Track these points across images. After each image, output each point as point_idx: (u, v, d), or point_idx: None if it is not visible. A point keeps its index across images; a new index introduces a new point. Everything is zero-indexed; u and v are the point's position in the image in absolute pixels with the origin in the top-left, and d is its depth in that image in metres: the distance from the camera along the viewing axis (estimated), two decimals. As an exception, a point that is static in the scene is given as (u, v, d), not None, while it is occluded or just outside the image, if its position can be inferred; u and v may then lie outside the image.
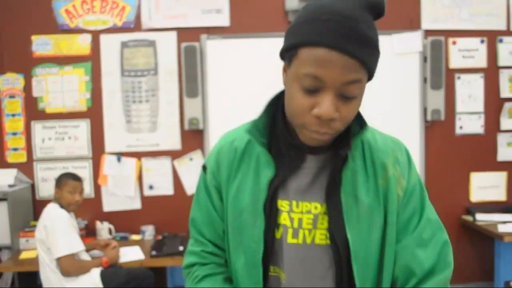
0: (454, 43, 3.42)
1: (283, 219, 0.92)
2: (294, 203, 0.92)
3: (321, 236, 0.91)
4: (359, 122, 0.94)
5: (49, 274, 2.59)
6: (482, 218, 3.33)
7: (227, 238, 0.99)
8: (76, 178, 2.78)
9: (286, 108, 0.88)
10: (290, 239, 0.91)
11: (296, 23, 0.83)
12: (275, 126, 0.95)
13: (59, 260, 2.55)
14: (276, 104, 0.96)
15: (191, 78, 3.22)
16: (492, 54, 3.45)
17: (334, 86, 0.79)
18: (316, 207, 0.91)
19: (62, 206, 2.69)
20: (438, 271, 0.92)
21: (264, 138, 0.94)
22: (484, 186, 3.53)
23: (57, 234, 2.55)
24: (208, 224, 1.03)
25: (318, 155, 0.93)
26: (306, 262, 0.92)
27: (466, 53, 3.43)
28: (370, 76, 0.85)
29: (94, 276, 2.62)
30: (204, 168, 1.06)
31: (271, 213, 0.92)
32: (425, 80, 3.31)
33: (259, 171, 0.94)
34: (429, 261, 0.91)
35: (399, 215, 0.93)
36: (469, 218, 3.42)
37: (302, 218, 0.91)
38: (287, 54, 0.85)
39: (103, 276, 2.64)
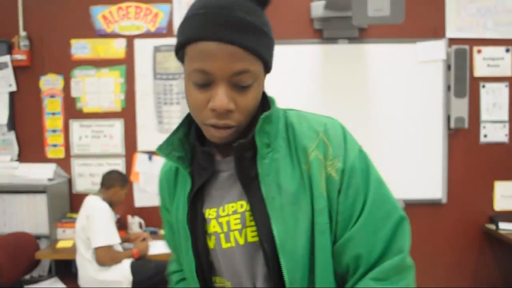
0: (479, 51, 3.44)
1: (213, 226, 0.90)
2: (220, 208, 0.89)
3: (252, 234, 0.87)
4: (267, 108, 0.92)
5: (84, 262, 2.78)
6: (505, 227, 3.34)
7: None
8: (128, 181, 3.07)
9: (188, 107, 0.87)
10: (224, 245, 0.89)
11: (182, 21, 0.83)
12: (189, 135, 0.95)
13: (96, 250, 2.75)
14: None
15: (220, 82, 3.36)
16: (518, 63, 3.46)
17: (223, 77, 0.78)
18: (242, 205, 0.88)
19: (104, 200, 2.89)
20: (386, 258, 0.83)
21: (180, 152, 0.93)
22: (508, 195, 3.53)
23: (98, 225, 2.75)
24: (173, 241, 1.05)
25: (231, 156, 0.90)
26: (245, 264, 0.88)
27: (491, 62, 3.45)
28: (266, 64, 0.84)
29: (124, 267, 2.80)
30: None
31: (196, 224, 0.90)
32: (448, 88, 3.35)
33: (183, 185, 0.95)
34: (376, 248, 0.83)
35: (341, 203, 0.85)
36: (492, 226, 3.43)
37: (229, 220, 0.88)
38: (179, 54, 0.85)
39: (133, 267, 2.81)
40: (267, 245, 0.83)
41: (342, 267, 0.85)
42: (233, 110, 0.81)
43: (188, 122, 0.95)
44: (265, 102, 0.94)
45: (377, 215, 0.84)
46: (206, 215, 0.90)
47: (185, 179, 0.94)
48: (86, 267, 2.77)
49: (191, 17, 0.80)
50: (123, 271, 2.78)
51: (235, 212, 0.88)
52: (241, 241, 0.87)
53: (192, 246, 0.90)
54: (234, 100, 0.81)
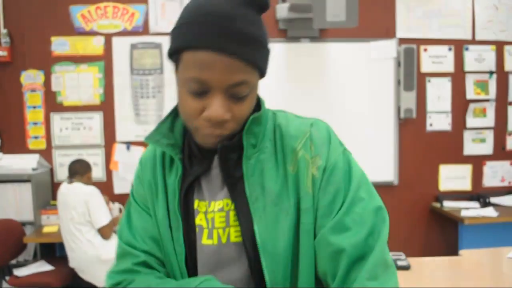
0: (425, 50, 3.85)
1: (199, 219, 0.88)
2: (209, 203, 0.88)
3: (235, 234, 0.85)
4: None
5: (81, 244, 3.03)
6: (448, 205, 3.78)
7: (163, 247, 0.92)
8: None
9: (180, 111, 0.85)
10: (204, 240, 0.87)
11: (177, 25, 0.81)
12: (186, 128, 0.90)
13: (102, 228, 3.06)
14: None
15: (193, 77, 3.65)
16: (459, 61, 3.89)
17: (220, 87, 0.77)
18: (228, 203, 0.87)
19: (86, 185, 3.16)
20: (367, 253, 0.78)
21: (169, 139, 0.90)
22: (452, 177, 3.98)
23: (98, 207, 3.06)
24: (143, 229, 0.94)
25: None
26: (223, 263, 0.86)
27: (435, 59, 3.87)
28: (261, 74, 0.84)
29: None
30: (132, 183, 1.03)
31: (188, 214, 0.88)
32: (398, 82, 3.75)
33: (169, 172, 0.92)
34: (357, 242, 0.79)
35: (320, 199, 0.84)
36: (437, 205, 3.86)
37: (214, 217, 0.87)
38: (172, 57, 0.83)
39: None
40: (249, 245, 0.83)
41: (321, 263, 0.83)
42: (228, 120, 0.80)
43: (175, 114, 0.93)
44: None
45: (356, 211, 0.81)
46: (195, 206, 0.88)
47: (175, 166, 0.91)
48: (85, 248, 3.03)
49: (189, 23, 0.78)
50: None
51: (220, 210, 0.86)
52: (224, 240, 0.86)
53: (184, 236, 0.87)
54: (230, 109, 0.80)
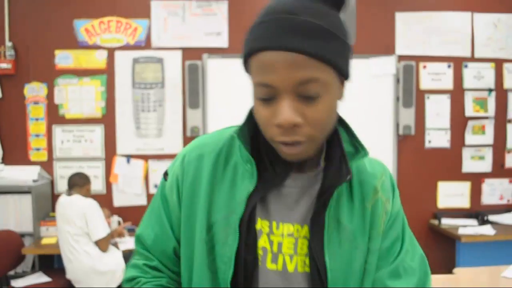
0: (424, 67, 3.88)
1: (263, 241, 0.81)
2: (274, 224, 0.81)
3: (301, 263, 0.80)
4: (352, 142, 0.85)
5: (79, 256, 3.06)
6: (446, 222, 3.78)
7: (187, 255, 0.86)
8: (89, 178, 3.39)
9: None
10: (269, 265, 0.80)
11: (248, 30, 0.76)
12: (258, 137, 0.83)
13: (99, 241, 3.08)
14: None
15: (193, 92, 3.69)
16: (458, 78, 3.91)
17: (287, 89, 0.71)
18: (298, 229, 0.81)
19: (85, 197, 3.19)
20: None
21: (249, 146, 0.82)
22: (450, 194, 3.98)
23: (96, 220, 3.09)
24: (157, 239, 0.90)
25: (304, 173, 0.84)
26: None
27: (435, 76, 3.89)
28: (340, 71, 0.74)
29: (117, 257, 3.16)
30: (165, 175, 0.93)
31: (248, 232, 0.80)
32: (397, 99, 3.78)
33: (236, 182, 0.83)
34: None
35: (382, 241, 0.86)
36: (435, 222, 3.86)
37: (282, 241, 0.81)
38: (246, 67, 0.79)
39: (125, 256, 3.18)
40: (317, 278, 0.79)
41: None
42: (301, 124, 0.72)
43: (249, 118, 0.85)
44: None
45: (407, 261, 0.88)
46: (258, 226, 0.81)
47: (247, 176, 0.81)
48: (82, 260, 3.05)
49: (257, 25, 0.74)
50: (116, 260, 3.12)
51: (290, 235, 0.81)
52: (290, 268, 0.80)
53: (237, 253, 0.79)
54: (302, 113, 0.72)
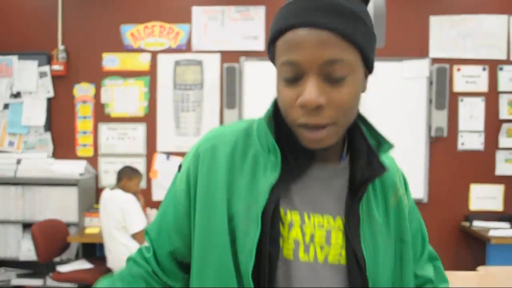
0: (458, 70, 3.91)
1: (295, 233, 0.78)
2: (305, 215, 0.79)
3: (334, 255, 0.78)
4: (374, 136, 0.85)
5: (118, 247, 3.26)
6: (478, 224, 3.77)
7: (202, 247, 0.81)
8: (140, 173, 3.52)
9: (280, 108, 0.78)
10: (302, 256, 0.78)
11: (274, 16, 0.77)
12: (280, 127, 0.83)
13: (136, 234, 3.26)
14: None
15: (231, 93, 3.87)
16: (493, 81, 3.91)
17: (313, 68, 0.70)
18: (329, 221, 0.80)
19: (126, 192, 3.38)
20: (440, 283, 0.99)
21: (272, 134, 0.81)
22: (483, 196, 3.96)
23: (133, 214, 3.26)
24: (171, 232, 0.88)
25: (326, 165, 0.83)
26: (317, 284, 0.77)
27: (469, 79, 3.91)
28: (364, 55, 0.74)
29: None
30: (179, 167, 0.90)
31: (272, 223, 0.76)
32: (430, 101, 3.82)
33: (257, 173, 0.80)
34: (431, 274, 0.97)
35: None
36: (467, 224, 3.85)
37: (314, 233, 0.79)
38: (271, 54, 0.79)
39: None
40: (354, 270, 0.77)
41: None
42: (325, 106, 0.71)
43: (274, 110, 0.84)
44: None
45: (428, 253, 0.99)
46: (288, 217, 0.79)
47: (270, 167, 0.79)
48: (120, 251, 3.26)
49: (285, 6, 0.74)
50: None
51: (321, 226, 0.79)
52: (321, 259, 0.78)
53: (258, 246, 0.75)
54: (327, 94, 0.71)
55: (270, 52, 0.79)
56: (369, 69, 0.79)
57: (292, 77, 0.73)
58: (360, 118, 0.86)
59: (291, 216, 0.79)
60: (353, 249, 0.77)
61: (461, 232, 3.96)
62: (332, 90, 0.71)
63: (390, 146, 0.84)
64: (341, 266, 0.78)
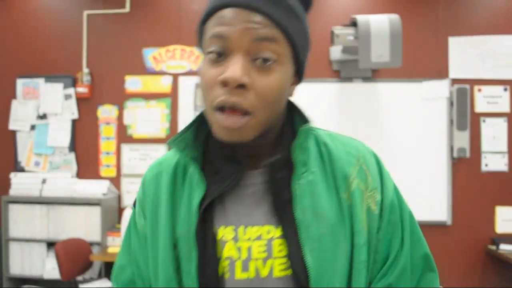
0: (479, 90, 3.87)
1: (228, 250, 0.74)
2: (240, 229, 0.75)
3: (280, 266, 0.73)
4: (302, 120, 0.80)
5: None
6: (505, 248, 3.68)
7: (153, 281, 0.80)
8: None
9: (200, 90, 0.75)
10: (239, 274, 0.73)
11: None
12: (209, 138, 0.80)
13: None
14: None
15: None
16: (515, 101, 3.87)
17: (241, 45, 0.68)
18: (269, 230, 0.74)
19: None
20: None
21: (193, 152, 0.78)
22: (508, 219, 3.86)
23: None
24: (121, 271, 0.90)
25: (259, 169, 0.78)
26: None
27: (490, 99, 3.86)
28: (295, 52, 0.73)
29: None
30: (134, 203, 0.89)
31: (206, 243, 0.73)
32: (451, 122, 3.78)
33: (192, 193, 0.77)
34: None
35: (382, 240, 0.78)
36: (493, 247, 3.76)
37: (251, 246, 0.74)
38: (199, 42, 0.77)
39: None
40: (301, 279, 0.72)
41: None
42: (248, 88, 0.68)
43: (199, 122, 0.82)
44: (293, 116, 0.83)
45: (413, 258, 0.81)
46: (219, 235, 0.75)
47: (195, 185, 0.77)
48: None
49: None
50: None
51: (259, 238, 0.74)
52: (264, 273, 0.73)
53: (198, 270, 0.73)
54: (252, 77, 0.69)
55: (199, 34, 0.76)
56: (299, 72, 0.77)
57: (218, 52, 0.70)
58: (295, 111, 0.83)
59: (223, 233, 0.75)
60: (295, 256, 0.73)
61: (488, 256, 3.86)
62: (258, 74, 0.69)
63: (306, 120, 0.80)
64: (288, 277, 0.73)
